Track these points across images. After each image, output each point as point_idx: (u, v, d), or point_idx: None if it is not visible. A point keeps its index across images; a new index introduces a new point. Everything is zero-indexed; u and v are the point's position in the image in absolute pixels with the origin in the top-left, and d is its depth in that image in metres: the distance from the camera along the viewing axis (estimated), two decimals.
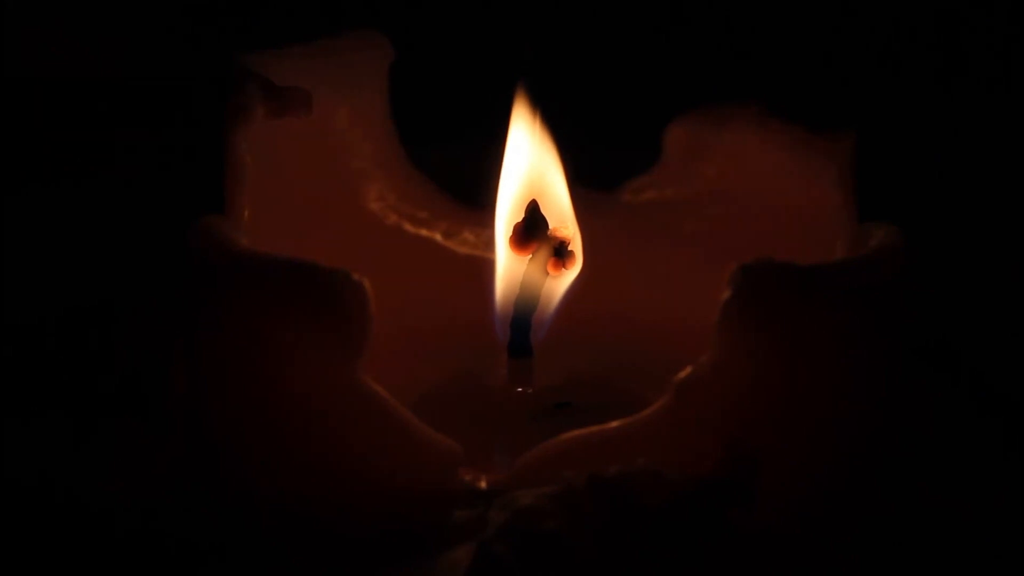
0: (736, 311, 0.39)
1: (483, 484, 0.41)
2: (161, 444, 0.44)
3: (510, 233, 0.48)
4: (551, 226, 0.48)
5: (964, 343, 0.53)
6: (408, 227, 0.54)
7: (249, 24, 0.64)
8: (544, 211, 0.49)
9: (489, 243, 0.52)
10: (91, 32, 0.59)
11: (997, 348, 0.54)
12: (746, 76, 0.65)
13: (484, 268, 0.52)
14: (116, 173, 0.59)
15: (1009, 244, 0.59)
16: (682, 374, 0.40)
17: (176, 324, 0.44)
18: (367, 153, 0.53)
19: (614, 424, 0.40)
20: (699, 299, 0.47)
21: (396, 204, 0.54)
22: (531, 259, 0.48)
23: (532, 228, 0.48)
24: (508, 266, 0.49)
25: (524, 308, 0.48)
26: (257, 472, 0.41)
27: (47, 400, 0.48)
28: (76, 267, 0.57)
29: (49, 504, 0.43)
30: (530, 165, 0.50)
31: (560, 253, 0.48)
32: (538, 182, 0.50)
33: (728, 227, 0.53)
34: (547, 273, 0.48)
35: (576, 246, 0.49)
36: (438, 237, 0.55)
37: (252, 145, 0.45)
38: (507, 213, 0.50)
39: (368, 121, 0.53)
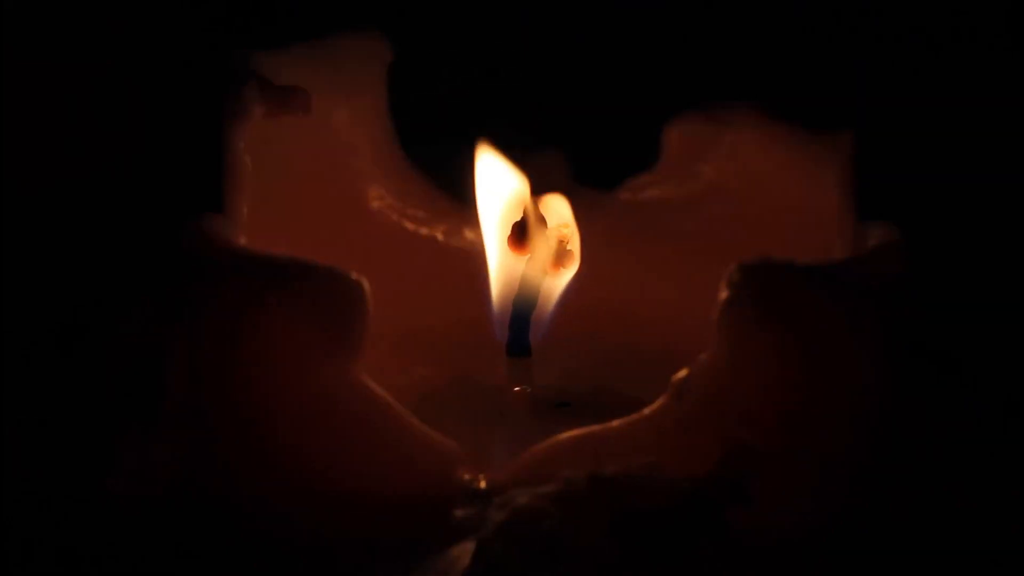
0: (735, 310, 0.39)
1: (482, 483, 0.41)
2: (161, 444, 0.44)
3: (508, 233, 0.48)
4: (550, 225, 0.48)
5: (964, 343, 0.53)
6: (408, 227, 0.54)
7: (249, 24, 0.64)
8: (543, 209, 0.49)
9: None
10: (91, 32, 0.59)
11: (997, 348, 0.54)
12: (746, 76, 0.65)
13: (484, 268, 0.51)
14: (115, 173, 0.59)
15: (1009, 244, 0.59)
16: (681, 374, 0.40)
17: (175, 324, 0.43)
18: (367, 153, 0.53)
19: (613, 423, 0.40)
20: (699, 299, 0.47)
21: (396, 204, 0.54)
22: (530, 258, 0.48)
23: (531, 227, 0.48)
24: (503, 266, 0.49)
25: (523, 307, 0.48)
26: (256, 472, 0.41)
27: (47, 401, 0.48)
28: (75, 267, 0.57)
29: (50, 504, 0.43)
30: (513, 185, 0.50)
31: (559, 252, 0.48)
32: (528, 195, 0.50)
33: (728, 227, 0.53)
34: (546, 272, 0.48)
35: (575, 244, 0.49)
36: (438, 237, 0.55)
37: (251, 145, 0.45)
38: (500, 213, 0.50)
39: (368, 121, 0.53)
